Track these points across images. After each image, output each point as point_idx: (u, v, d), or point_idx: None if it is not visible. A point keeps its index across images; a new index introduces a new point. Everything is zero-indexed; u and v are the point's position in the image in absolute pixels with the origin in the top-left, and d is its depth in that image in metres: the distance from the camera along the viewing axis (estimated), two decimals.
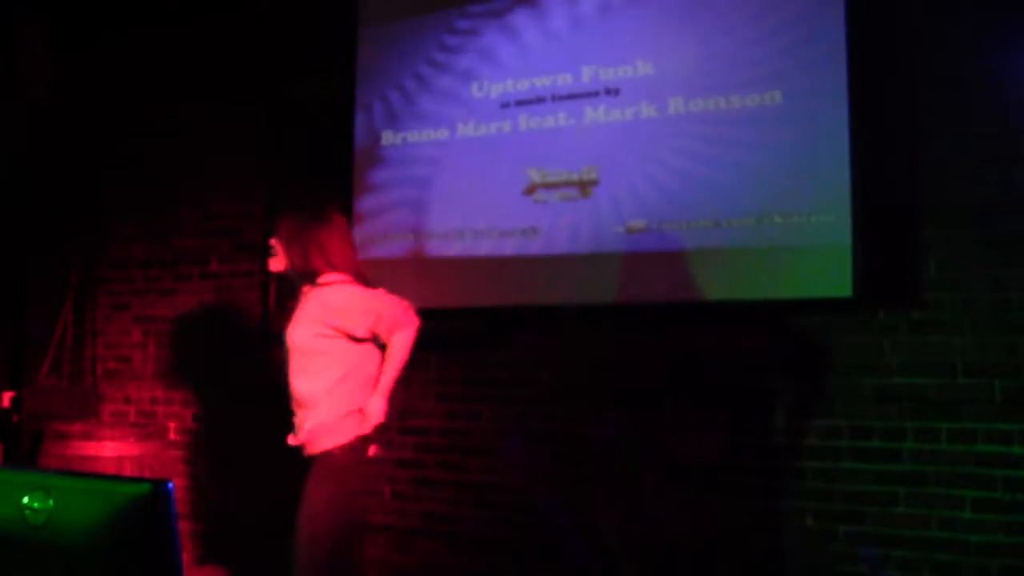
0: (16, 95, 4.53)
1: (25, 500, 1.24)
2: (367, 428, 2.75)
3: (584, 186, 3.63)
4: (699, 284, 3.44)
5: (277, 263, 2.91)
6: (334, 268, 2.84)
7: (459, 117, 3.93)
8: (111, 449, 4.05)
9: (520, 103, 3.78)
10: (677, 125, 3.51)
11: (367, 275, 2.94)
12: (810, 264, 3.26)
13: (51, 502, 1.23)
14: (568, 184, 3.66)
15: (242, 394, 4.42)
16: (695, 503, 3.48)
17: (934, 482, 3.13)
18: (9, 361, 4.56)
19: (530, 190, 3.72)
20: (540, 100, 3.74)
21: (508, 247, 3.77)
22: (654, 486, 3.55)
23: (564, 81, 3.71)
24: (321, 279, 2.85)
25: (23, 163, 4.61)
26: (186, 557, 4.32)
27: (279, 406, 4.42)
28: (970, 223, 3.14)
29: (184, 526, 4.46)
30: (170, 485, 1.18)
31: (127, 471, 4.05)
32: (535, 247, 3.71)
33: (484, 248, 3.82)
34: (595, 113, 3.64)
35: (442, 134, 3.97)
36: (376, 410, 2.76)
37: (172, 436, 4.58)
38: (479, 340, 3.94)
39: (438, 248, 3.93)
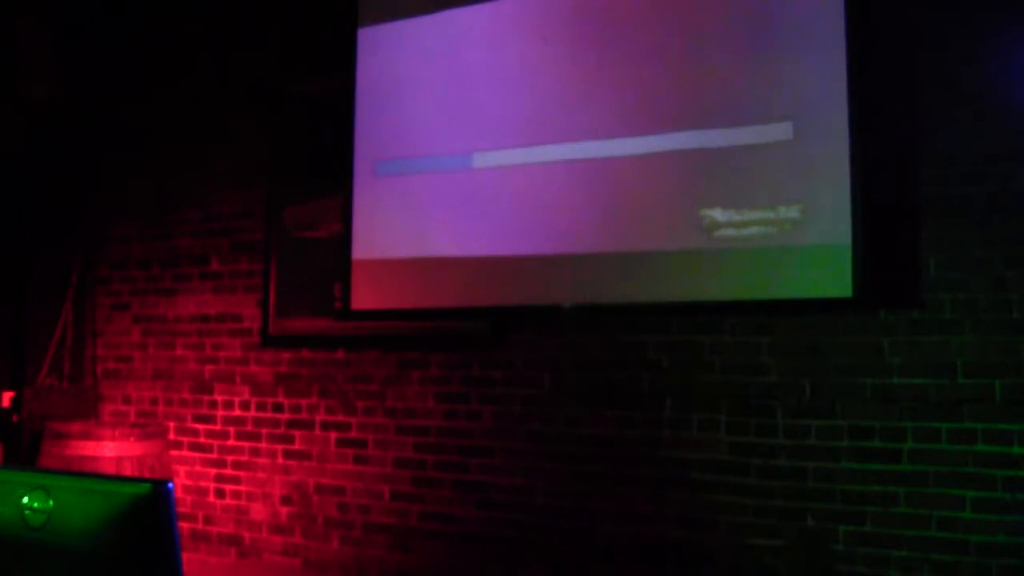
0: (16, 95, 4.53)
1: (25, 500, 1.24)
2: None
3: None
4: (699, 284, 3.44)
5: None
6: None
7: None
8: (111, 449, 4.06)
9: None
10: (678, 128, 3.51)
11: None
12: (810, 264, 3.26)
13: (51, 502, 1.23)
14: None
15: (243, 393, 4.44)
16: (695, 503, 3.48)
17: (934, 482, 3.13)
18: (9, 361, 4.56)
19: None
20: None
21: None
22: (654, 486, 3.56)
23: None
24: None
25: (23, 162, 4.61)
26: None
27: (281, 407, 4.42)
28: (970, 223, 3.14)
29: (183, 526, 4.46)
30: (170, 485, 1.18)
31: (127, 471, 4.05)
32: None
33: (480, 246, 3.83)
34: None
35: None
36: None
37: (172, 436, 4.58)
38: (479, 340, 3.94)
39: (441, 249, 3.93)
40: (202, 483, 4.50)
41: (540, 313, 3.81)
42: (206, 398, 4.56)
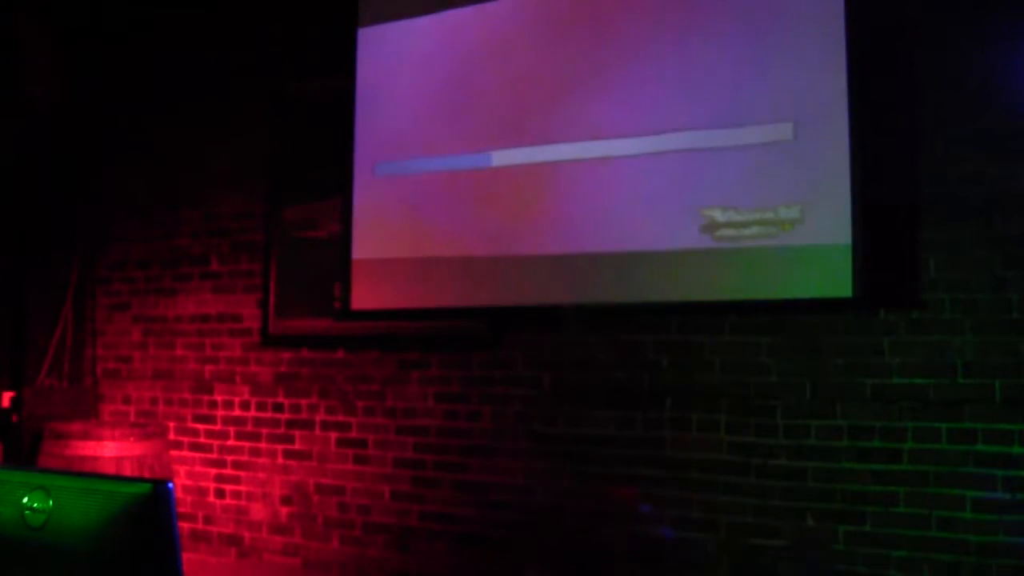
0: (17, 94, 4.53)
1: (25, 500, 1.24)
2: None
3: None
4: (699, 284, 3.44)
5: None
6: None
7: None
8: (111, 449, 4.05)
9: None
10: (678, 128, 3.51)
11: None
12: (810, 264, 3.26)
13: (51, 502, 1.23)
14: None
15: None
16: (695, 503, 3.48)
17: (934, 482, 3.13)
18: (9, 361, 4.56)
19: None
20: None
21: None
22: (654, 486, 3.55)
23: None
24: None
25: (23, 163, 4.61)
26: None
27: (281, 407, 4.42)
28: (970, 223, 3.14)
29: (183, 526, 4.46)
30: (170, 485, 1.18)
31: (127, 471, 4.05)
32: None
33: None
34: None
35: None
36: None
37: (172, 436, 4.58)
38: (479, 340, 3.94)
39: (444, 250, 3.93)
40: (202, 483, 4.51)
41: (540, 313, 3.81)
42: (206, 398, 4.56)
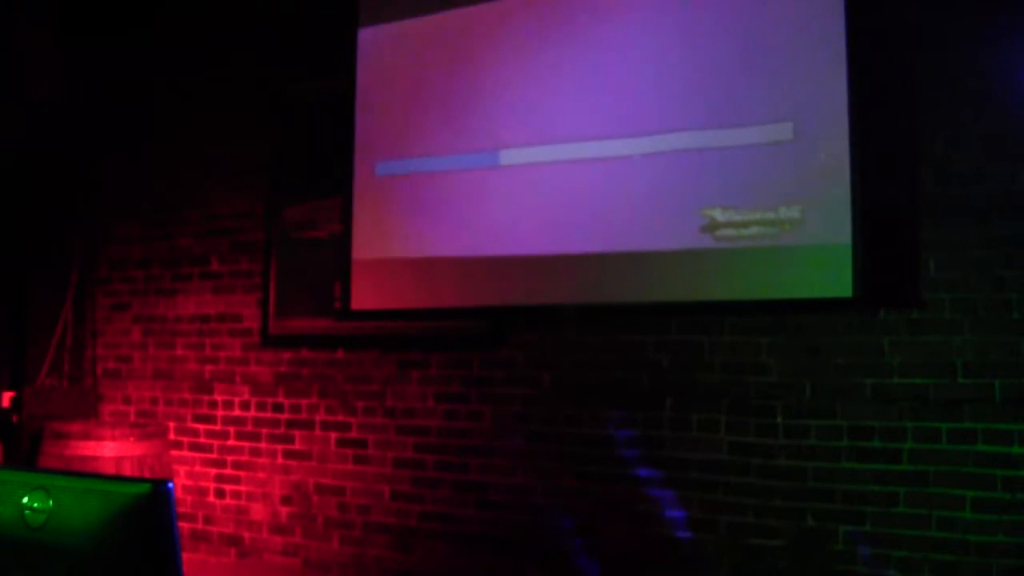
0: (17, 95, 4.53)
1: (25, 500, 1.24)
2: None
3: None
4: (699, 284, 3.44)
5: None
6: None
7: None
8: (111, 449, 4.05)
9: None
10: (677, 127, 3.51)
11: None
12: (810, 264, 3.26)
13: (51, 502, 1.23)
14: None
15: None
16: (695, 503, 3.48)
17: (934, 482, 3.13)
18: (9, 361, 4.56)
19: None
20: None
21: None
22: (654, 486, 3.56)
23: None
24: None
25: (23, 163, 4.61)
26: None
27: (281, 407, 4.42)
28: (970, 223, 3.14)
29: (183, 526, 4.46)
30: (170, 485, 1.18)
31: (127, 471, 4.05)
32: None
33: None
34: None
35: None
36: None
37: (172, 436, 4.58)
38: (479, 340, 3.94)
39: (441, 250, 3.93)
40: (202, 483, 4.50)
41: (540, 313, 3.81)
42: (206, 398, 4.56)
